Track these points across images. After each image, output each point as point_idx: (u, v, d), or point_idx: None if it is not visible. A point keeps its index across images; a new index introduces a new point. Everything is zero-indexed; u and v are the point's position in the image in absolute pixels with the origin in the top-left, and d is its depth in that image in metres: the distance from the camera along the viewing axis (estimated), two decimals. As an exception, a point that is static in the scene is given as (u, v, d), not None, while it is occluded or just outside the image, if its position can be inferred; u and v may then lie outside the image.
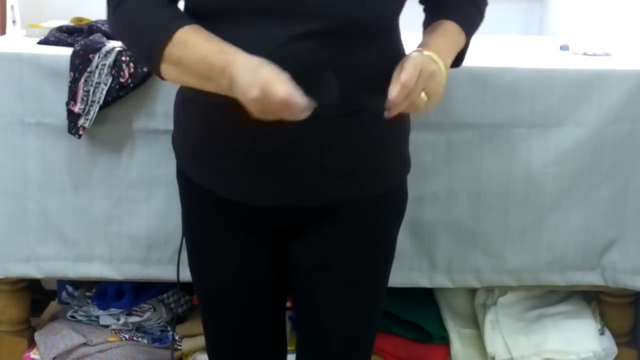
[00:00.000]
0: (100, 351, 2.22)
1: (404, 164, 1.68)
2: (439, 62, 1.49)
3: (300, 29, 1.42)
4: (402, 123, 1.63)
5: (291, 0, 1.41)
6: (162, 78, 1.50)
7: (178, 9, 1.49)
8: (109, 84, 2.01)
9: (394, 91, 1.42)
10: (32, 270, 2.16)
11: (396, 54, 1.54)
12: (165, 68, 1.46)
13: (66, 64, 2.02)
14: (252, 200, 1.56)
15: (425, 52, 1.49)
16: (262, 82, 1.34)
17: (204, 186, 1.60)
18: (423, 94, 1.45)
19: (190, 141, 1.60)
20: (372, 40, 1.48)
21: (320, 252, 1.63)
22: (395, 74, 1.44)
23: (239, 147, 1.52)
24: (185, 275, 1.84)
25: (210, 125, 1.54)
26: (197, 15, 1.47)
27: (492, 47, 2.39)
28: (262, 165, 1.52)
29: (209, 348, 1.78)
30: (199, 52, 1.42)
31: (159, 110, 2.06)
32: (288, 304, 1.88)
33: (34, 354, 2.23)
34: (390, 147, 1.60)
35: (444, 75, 1.51)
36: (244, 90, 1.36)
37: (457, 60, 1.65)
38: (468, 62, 1.73)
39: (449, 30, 1.59)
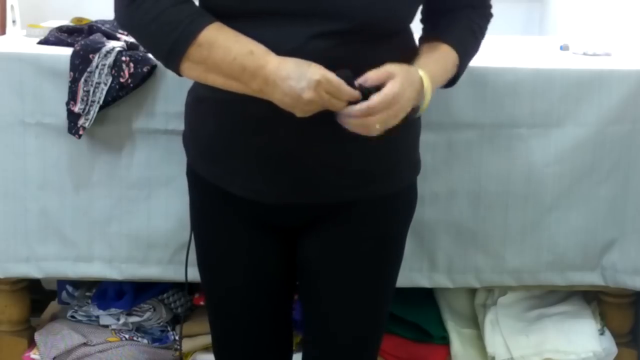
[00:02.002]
0: (100, 351, 2.22)
1: (415, 165, 1.69)
2: (426, 85, 1.52)
3: (319, 28, 1.43)
4: (412, 124, 1.64)
5: (312, 1, 1.42)
6: (179, 75, 1.49)
7: (196, 5, 1.49)
8: (109, 84, 2.01)
9: (362, 105, 1.43)
10: (32, 270, 2.16)
11: (410, 54, 1.57)
12: (188, 67, 1.46)
13: (66, 64, 2.02)
14: (263, 198, 1.57)
15: (421, 73, 1.52)
16: (319, 71, 1.38)
17: (216, 184, 1.60)
18: (378, 125, 1.46)
19: (203, 139, 1.61)
20: (388, 40, 1.50)
21: (330, 251, 1.63)
22: (383, 73, 1.45)
23: (251, 144, 1.53)
24: (188, 274, 1.85)
25: (222, 123, 1.55)
26: (214, 13, 1.47)
27: (492, 47, 2.38)
28: (274, 164, 1.53)
29: (215, 346, 1.79)
30: (228, 53, 1.42)
31: (159, 110, 2.06)
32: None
33: (34, 354, 2.23)
34: (401, 147, 1.61)
35: (426, 100, 1.53)
36: (299, 82, 1.38)
37: (449, 82, 1.67)
38: (476, 54, 1.73)
39: (448, 60, 1.61)
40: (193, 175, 1.68)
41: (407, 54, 1.57)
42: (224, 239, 1.66)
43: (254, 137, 1.52)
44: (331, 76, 1.40)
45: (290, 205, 1.58)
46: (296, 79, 1.39)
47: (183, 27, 1.43)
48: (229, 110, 1.53)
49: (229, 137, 1.55)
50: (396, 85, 1.45)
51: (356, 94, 1.43)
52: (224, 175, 1.59)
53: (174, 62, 1.46)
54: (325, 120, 1.45)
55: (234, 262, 1.67)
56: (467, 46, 1.65)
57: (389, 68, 1.46)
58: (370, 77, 1.44)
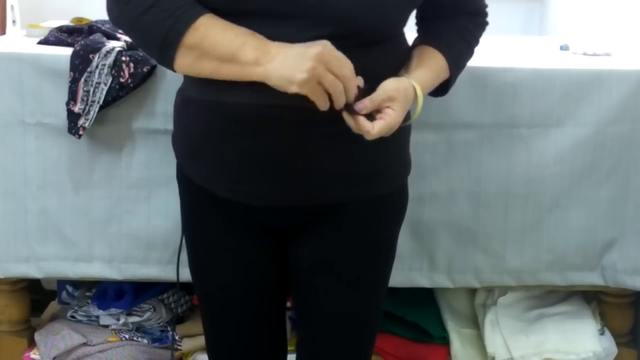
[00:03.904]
0: (100, 351, 2.22)
1: (405, 166, 1.69)
2: (419, 95, 1.52)
3: (312, 32, 1.42)
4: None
5: (304, 5, 1.42)
6: (173, 68, 1.47)
7: None
8: (109, 84, 2.01)
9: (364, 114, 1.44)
10: (32, 270, 2.16)
11: (401, 60, 1.57)
12: (182, 53, 1.44)
13: (66, 64, 2.02)
14: (251, 201, 1.56)
15: (415, 84, 1.52)
16: (321, 42, 1.37)
17: (204, 186, 1.60)
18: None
19: (190, 141, 1.60)
20: (382, 45, 1.50)
21: (322, 253, 1.63)
22: (381, 98, 1.46)
23: (239, 147, 1.52)
24: (185, 275, 1.85)
25: (210, 125, 1.54)
26: None
27: (492, 47, 2.39)
28: (262, 166, 1.52)
29: (209, 347, 1.79)
30: (227, 32, 1.41)
31: (159, 110, 2.06)
32: (288, 304, 1.88)
33: (34, 354, 2.23)
34: (391, 148, 1.60)
35: (418, 109, 1.54)
36: (304, 46, 1.37)
37: (441, 91, 1.67)
38: (468, 62, 1.73)
39: (439, 70, 1.61)
40: (182, 177, 1.68)
41: (400, 59, 1.57)
42: (213, 240, 1.66)
43: (242, 139, 1.50)
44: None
45: (278, 207, 1.58)
46: (302, 45, 1.38)
47: (180, 14, 1.42)
48: (217, 111, 1.51)
49: (217, 139, 1.54)
50: (398, 114, 1.47)
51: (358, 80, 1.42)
52: (211, 177, 1.58)
53: (170, 49, 1.44)
54: (313, 122, 1.44)
55: (222, 263, 1.67)
56: (458, 56, 1.65)
57: (389, 91, 1.46)
58: (366, 104, 1.44)
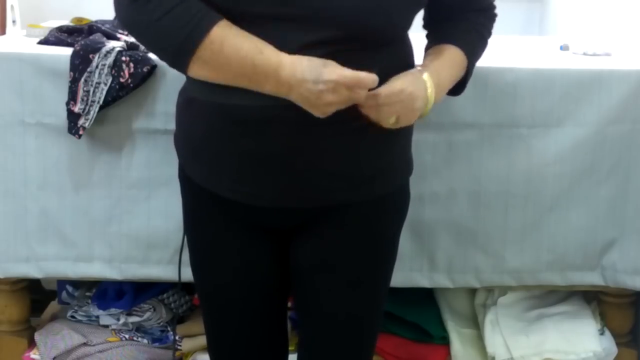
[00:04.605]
0: (100, 351, 2.22)
1: (407, 166, 1.68)
2: (430, 90, 1.53)
3: (314, 36, 1.42)
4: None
5: (307, 7, 1.42)
6: (185, 73, 1.48)
7: (201, 3, 1.44)
8: (109, 84, 2.01)
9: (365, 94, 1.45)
10: (32, 270, 2.16)
11: (406, 63, 1.57)
12: (197, 66, 1.44)
13: (66, 64, 2.02)
14: (252, 201, 1.56)
15: (425, 76, 1.53)
16: (335, 70, 1.39)
17: (205, 186, 1.60)
18: (393, 118, 1.49)
19: (192, 141, 1.60)
20: (383, 49, 1.50)
21: (323, 253, 1.63)
22: (391, 81, 1.48)
23: (240, 148, 1.52)
24: (186, 275, 1.85)
25: (212, 125, 1.54)
26: None
27: (492, 47, 2.38)
28: (264, 166, 1.52)
29: (210, 347, 1.79)
30: (238, 51, 1.41)
31: (159, 110, 2.06)
32: (289, 304, 1.88)
33: (34, 354, 2.23)
34: (392, 149, 1.60)
35: (430, 102, 1.55)
36: (316, 85, 1.39)
37: (458, 88, 1.69)
38: (483, 52, 1.74)
39: (455, 59, 1.63)
40: (184, 176, 1.68)
41: (404, 62, 1.56)
42: (213, 240, 1.66)
43: (243, 140, 1.50)
44: (347, 72, 1.40)
45: (279, 208, 1.58)
46: (312, 81, 1.39)
47: (192, 25, 1.41)
48: (218, 112, 1.51)
49: (218, 139, 1.53)
50: (406, 82, 1.49)
51: (374, 76, 1.42)
52: (213, 177, 1.58)
53: (183, 58, 1.43)
54: (315, 122, 1.45)
55: (223, 263, 1.67)
56: (473, 44, 1.66)
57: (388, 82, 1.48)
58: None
